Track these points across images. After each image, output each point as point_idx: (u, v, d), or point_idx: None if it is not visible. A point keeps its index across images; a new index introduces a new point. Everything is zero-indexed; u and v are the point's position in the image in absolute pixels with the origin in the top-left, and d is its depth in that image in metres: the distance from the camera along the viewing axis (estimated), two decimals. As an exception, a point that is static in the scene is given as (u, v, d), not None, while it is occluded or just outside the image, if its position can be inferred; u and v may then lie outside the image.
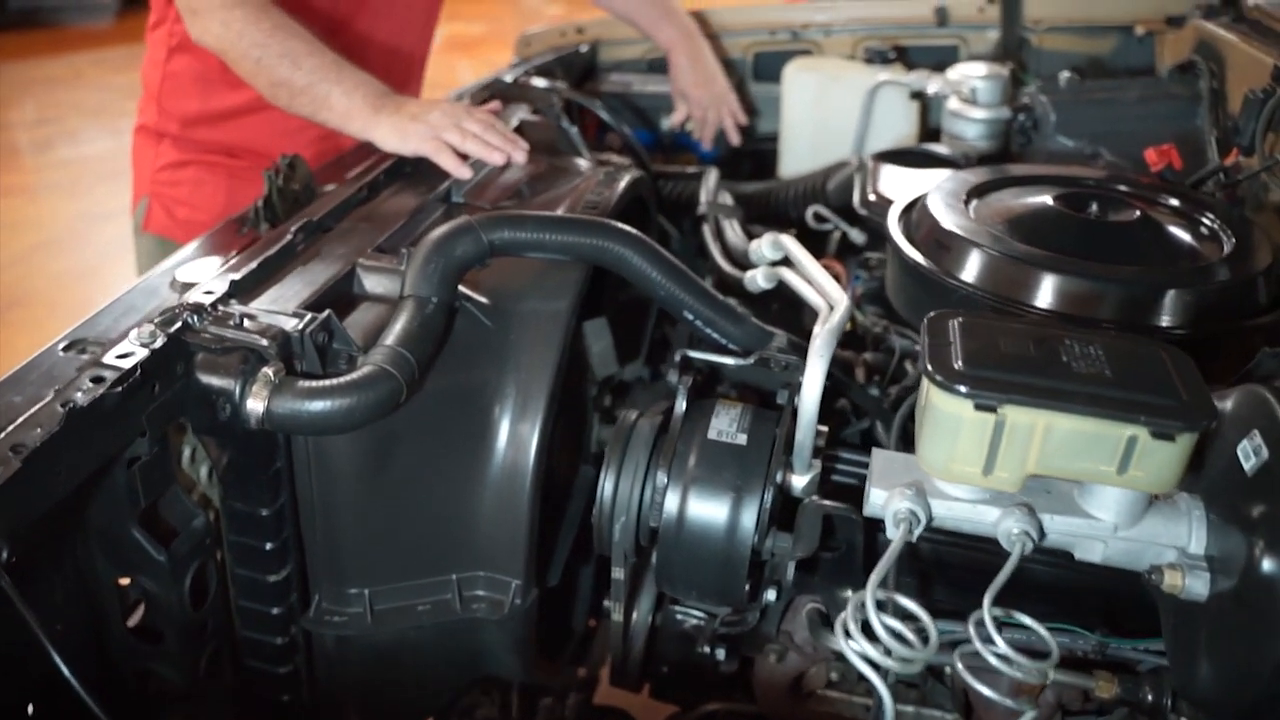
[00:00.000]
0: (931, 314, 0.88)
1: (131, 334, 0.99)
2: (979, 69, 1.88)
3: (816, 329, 1.10)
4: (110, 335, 1.07)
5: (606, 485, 1.11)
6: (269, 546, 1.10)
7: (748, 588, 1.07)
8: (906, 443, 1.18)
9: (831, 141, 2.06)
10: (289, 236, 1.18)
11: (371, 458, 1.11)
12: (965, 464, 0.81)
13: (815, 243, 1.76)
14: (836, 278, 1.42)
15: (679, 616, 1.23)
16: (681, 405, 1.10)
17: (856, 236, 1.69)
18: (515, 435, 1.16)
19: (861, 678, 1.17)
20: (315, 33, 1.54)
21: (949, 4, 2.23)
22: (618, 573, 1.14)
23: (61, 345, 1.05)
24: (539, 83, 1.83)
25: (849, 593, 1.15)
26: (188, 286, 1.17)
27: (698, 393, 1.17)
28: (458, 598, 1.18)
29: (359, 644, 1.17)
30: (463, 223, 1.12)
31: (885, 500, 0.87)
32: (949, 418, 0.80)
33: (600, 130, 2.12)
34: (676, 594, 1.14)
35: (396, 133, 1.43)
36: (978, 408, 0.78)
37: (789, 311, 1.46)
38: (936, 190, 1.33)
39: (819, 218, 1.71)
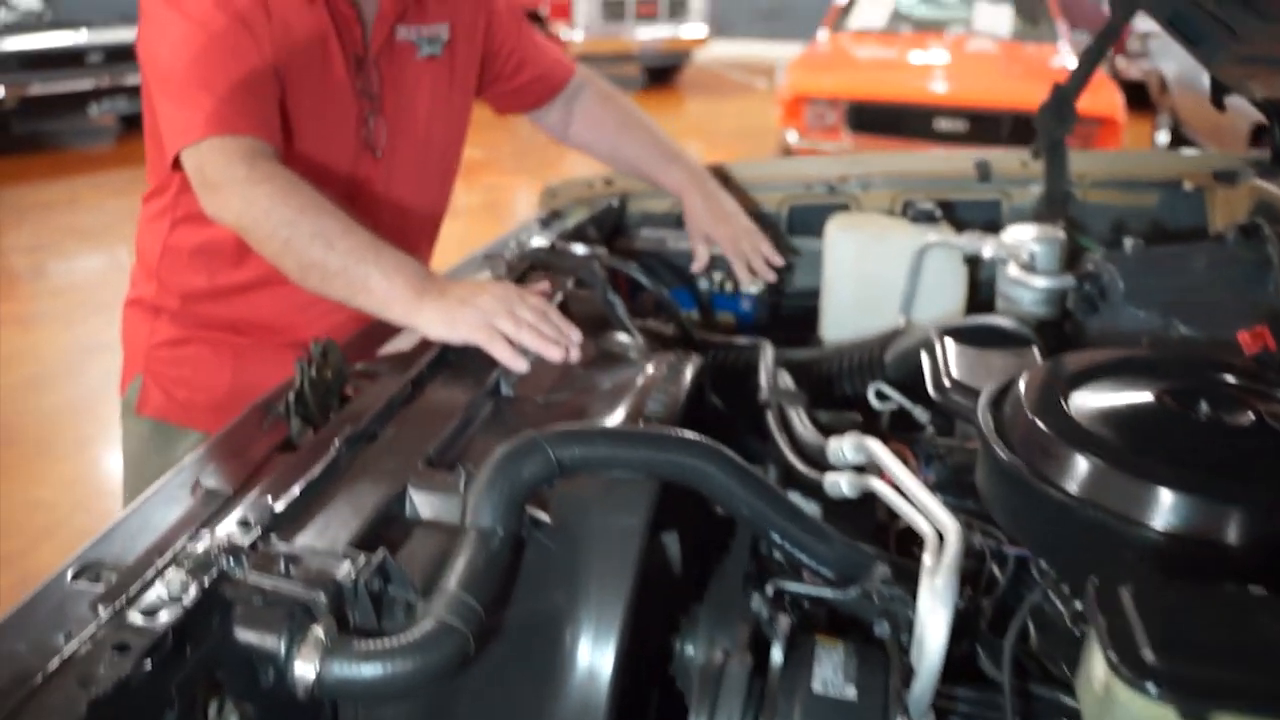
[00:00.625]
0: (1097, 580, 0.77)
1: (159, 585, 0.87)
2: (1033, 231, 1.81)
3: (928, 561, 0.99)
4: (126, 558, 0.95)
5: (695, 742, 0.97)
6: (308, 818, 0.96)
7: None
8: (1021, 674, 1.06)
9: (877, 302, 1.97)
10: (333, 451, 1.07)
11: (428, 710, 0.98)
12: (1160, 774, 0.69)
13: (869, 418, 1.66)
14: (904, 461, 1.32)
15: None
16: (779, 655, 0.97)
17: (920, 415, 1.59)
18: (589, 669, 1.03)
19: None
20: (331, 196, 1.46)
21: (991, 158, 2.18)
22: (705, 840, 1.00)
23: (71, 572, 0.93)
24: (578, 248, 1.75)
25: None
26: (213, 495, 1.06)
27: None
28: None
29: None
30: (529, 440, 1.01)
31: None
32: (1141, 721, 0.68)
33: (632, 287, 2.03)
34: None
35: (444, 320, 1.34)
36: (1184, 716, 0.66)
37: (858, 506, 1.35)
38: (1030, 382, 1.23)
39: (881, 395, 1.61)
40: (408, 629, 0.88)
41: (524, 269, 1.66)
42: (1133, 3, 1.85)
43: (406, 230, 1.74)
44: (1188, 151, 2.41)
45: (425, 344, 1.36)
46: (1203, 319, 1.67)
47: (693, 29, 12.44)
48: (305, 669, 0.84)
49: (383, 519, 1.00)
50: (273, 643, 0.86)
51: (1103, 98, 6.05)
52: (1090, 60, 1.98)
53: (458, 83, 1.82)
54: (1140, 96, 9.59)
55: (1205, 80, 2.00)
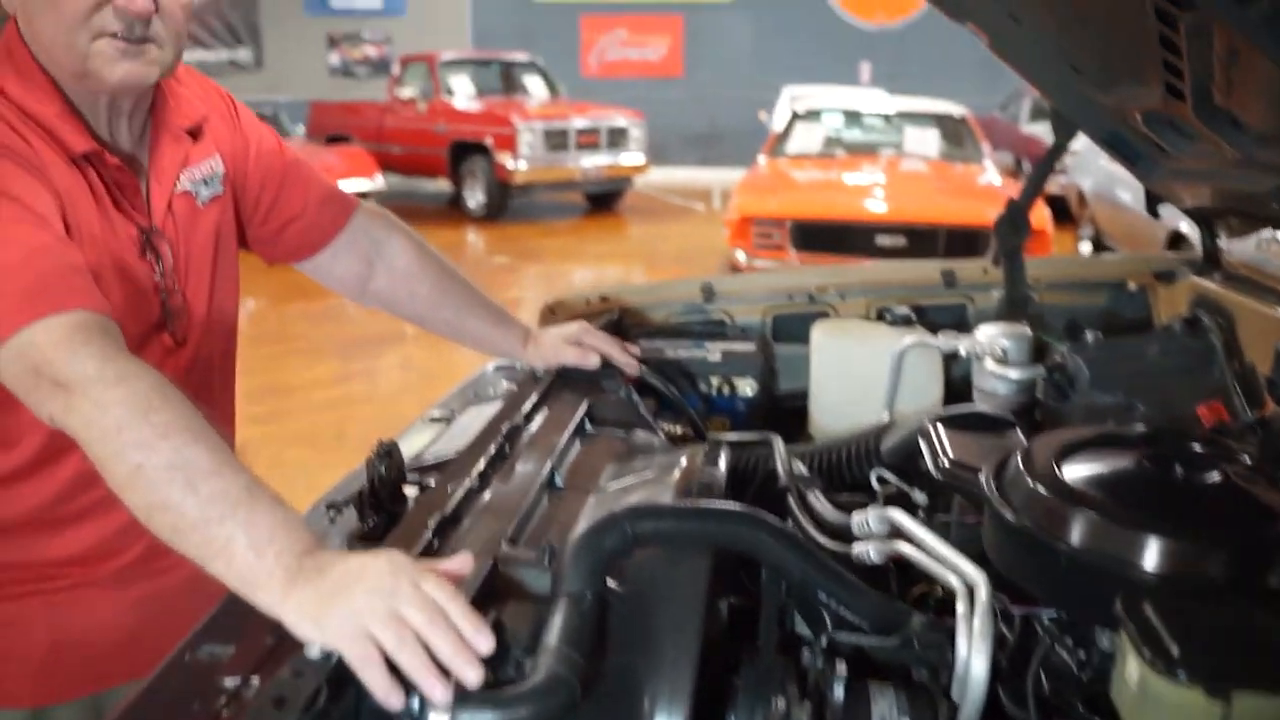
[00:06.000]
0: (1122, 596, 0.92)
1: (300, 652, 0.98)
2: (1002, 330, 2.01)
3: (961, 609, 1.14)
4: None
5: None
6: None
7: None
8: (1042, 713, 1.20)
9: (861, 399, 2.15)
10: (428, 534, 1.20)
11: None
12: (1192, 754, 0.83)
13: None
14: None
15: None
16: (840, 693, 1.11)
17: (919, 498, 1.74)
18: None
19: None
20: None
21: (955, 267, 2.40)
22: None
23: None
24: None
25: None
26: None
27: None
28: None
29: None
30: (610, 517, 1.15)
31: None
32: (1174, 709, 0.83)
33: (639, 392, 2.18)
34: None
35: (311, 618, 0.99)
36: (1210, 695, 0.81)
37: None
38: (1026, 456, 1.40)
39: (882, 481, 1.76)
40: (522, 681, 1.00)
41: (549, 381, 1.81)
42: (1073, 126, 2.10)
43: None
44: (1127, 255, 2.65)
45: (483, 439, 1.50)
46: (1159, 400, 1.87)
47: (631, 157, 12.93)
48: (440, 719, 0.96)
49: (481, 592, 1.13)
50: (408, 700, 0.97)
51: (1033, 212, 6.46)
52: (1039, 177, 2.23)
53: (238, 225, 1.61)
54: (1060, 209, 10.15)
55: (1120, 194, 2.24)
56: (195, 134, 1.52)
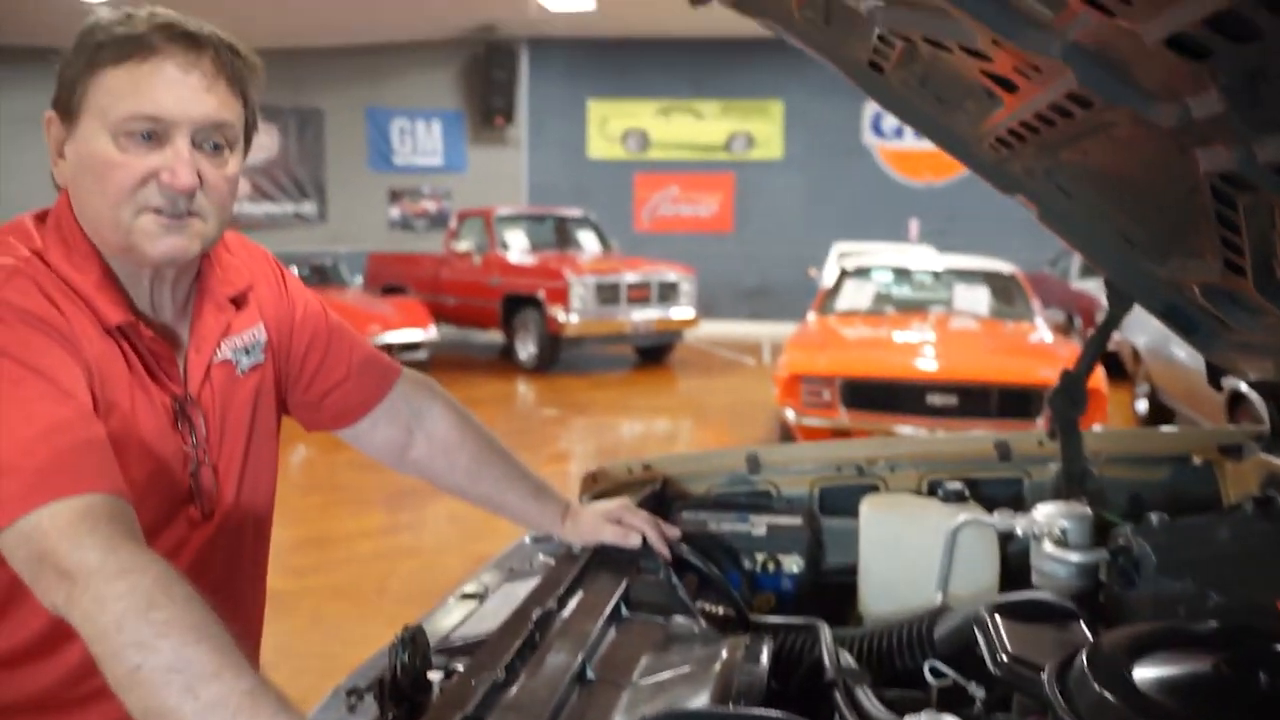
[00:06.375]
0: None
1: None
2: (1061, 509, 1.92)
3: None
4: None
5: None
6: None
7: None
8: None
9: (913, 578, 2.05)
10: (448, 739, 1.13)
11: None
12: None
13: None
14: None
15: None
16: None
17: (975, 691, 1.63)
18: None
19: None
20: None
21: (1009, 439, 2.32)
22: None
23: None
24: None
25: None
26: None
27: None
28: None
29: None
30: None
31: None
32: None
33: (679, 568, 2.10)
34: None
35: None
36: None
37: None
38: (1092, 655, 1.30)
39: (936, 673, 1.65)
40: None
41: (585, 560, 1.74)
42: (1129, 298, 2.04)
43: (237, 604, 1.43)
44: (1190, 428, 2.56)
45: (513, 625, 1.43)
46: (1234, 587, 1.75)
47: (682, 311, 13.05)
48: None
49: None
50: None
51: (1086, 372, 6.36)
52: (1094, 348, 2.16)
53: (278, 393, 1.59)
54: (1114, 367, 10.00)
55: (1176, 351, 2.17)
56: (239, 302, 1.52)
